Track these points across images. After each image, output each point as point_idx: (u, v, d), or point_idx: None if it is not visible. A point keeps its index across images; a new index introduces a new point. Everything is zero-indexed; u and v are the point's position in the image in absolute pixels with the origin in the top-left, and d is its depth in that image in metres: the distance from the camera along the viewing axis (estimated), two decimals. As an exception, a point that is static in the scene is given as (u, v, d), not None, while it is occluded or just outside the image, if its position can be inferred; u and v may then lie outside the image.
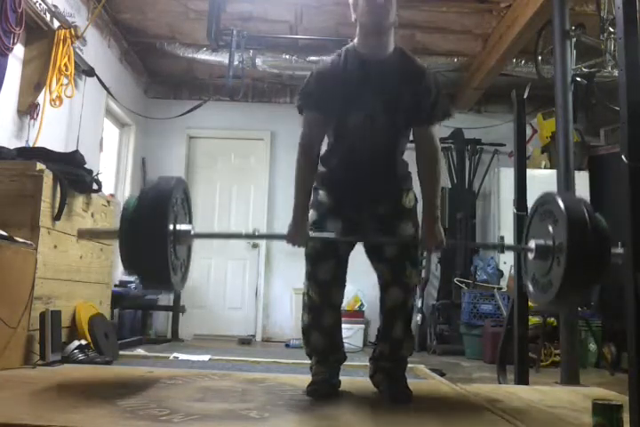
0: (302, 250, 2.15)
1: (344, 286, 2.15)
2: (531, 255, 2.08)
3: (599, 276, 1.88)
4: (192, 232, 2.08)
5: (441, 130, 5.88)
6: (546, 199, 2.07)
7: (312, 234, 2.06)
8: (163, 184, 2.02)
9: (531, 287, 2.13)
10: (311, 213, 2.12)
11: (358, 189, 2.10)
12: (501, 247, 2.23)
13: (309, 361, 2.23)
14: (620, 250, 1.75)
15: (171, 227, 1.93)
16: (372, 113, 2.02)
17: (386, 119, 2.03)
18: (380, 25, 1.96)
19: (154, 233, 1.88)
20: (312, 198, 2.12)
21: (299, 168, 2.05)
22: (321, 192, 2.16)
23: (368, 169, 2.10)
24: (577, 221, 1.86)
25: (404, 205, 2.15)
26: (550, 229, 1.99)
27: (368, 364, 2.25)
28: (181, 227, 2.02)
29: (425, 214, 2.07)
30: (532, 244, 2.07)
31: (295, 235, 2.04)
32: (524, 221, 2.28)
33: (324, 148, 2.14)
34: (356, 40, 2.04)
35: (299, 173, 2.05)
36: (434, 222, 2.04)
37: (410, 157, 2.15)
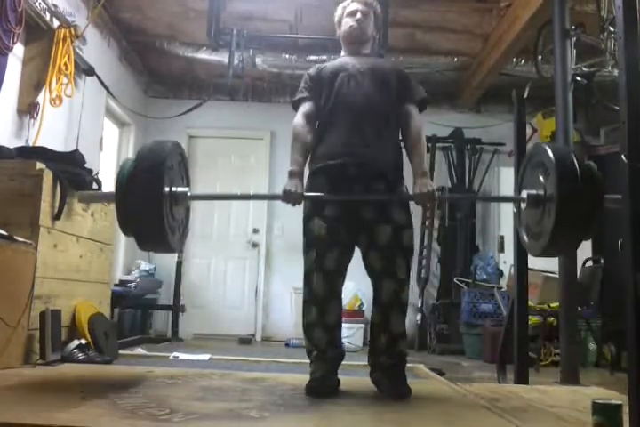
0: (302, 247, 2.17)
1: (344, 279, 2.19)
2: (523, 205, 2.11)
3: (590, 224, 1.89)
4: (189, 193, 2.12)
5: (441, 130, 5.90)
6: (536, 150, 2.10)
7: (306, 194, 2.13)
8: (158, 147, 2.04)
9: (525, 237, 2.14)
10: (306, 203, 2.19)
11: (349, 162, 2.15)
12: (496, 198, 2.26)
13: (309, 360, 2.22)
14: (616, 196, 1.73)
15: (167, 189, 1.96)
16: (356, 74, 2.24)
17: (369, 80, 2.24)
18: (358, 38, 2.36)
19: (149, 194, 1.90)
20: (308, 183, 2.21)
21: (294, 126, 2.21)
22: (314, 178, 2.23)
23: (357, 131, 2.17)
24: (566, 172, 1.88)
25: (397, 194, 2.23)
26: (542, 179, 2.01)
27: (367, 363, 2.25)
28: (178, 189, 2.05)
29: (414, 170, 2.16)
30: (524, 194, 2.08)
31: (291, 193, 2.10)
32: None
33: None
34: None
35: (294, 129, 2.21)
36: (423, 176, 2.12)
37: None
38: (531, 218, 2.08)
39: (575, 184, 1.86)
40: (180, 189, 2.07)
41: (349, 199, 2.16)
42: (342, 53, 2.41)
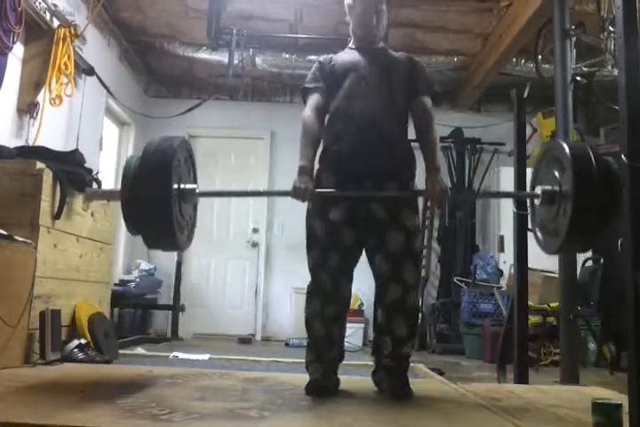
0: (303, 248, 2.16)
1: (351, 280, 2.17)
2: (537, 201, 2.07)
3: (608, 219, 1.85)
4: (197, 190, 2.10)
5: (441, 129, 5.91)
6: (552, 145, 2.08)
7: (318, 190, 2.07)
8: (165, 143, 1.99)
9: (539, 234, 2.11)
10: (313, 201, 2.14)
11: (360, 160, 2.10)
12: (509, 194, 2.23)
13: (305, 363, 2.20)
14: None
15: (175, 186, 1.93)
16: (366, 75, 2.18)
17: (380, 82, 2.18)
18: (372, 34, 2.27)
19: (158, 192, 1.86)
20: (315, 183, 2.11)
21: (304, 119, 2.15)
22: (323, 175, 2.16)
23: (367, 134, 2.12)
24: (582, 168, 1.84)
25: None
26: (557, 174, 1.97)
27: (369, 361, 2.25)
28: (186, 186, 2.02)
29: (426, 166, 2.11)
30: (538, 189, 2.05)
31: (300, 189, 2.04)
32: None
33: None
34: (350, 41, 2.34)
35: (304, 123, 2.15)
36: (436, 172, 2.09)
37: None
38: (545, 215, 2.04)
39: (592, 181, 1.81)
40: (189, 186, 2.04)
41: (360, 196, 2.11)
42: (351, 45, 2.31)
